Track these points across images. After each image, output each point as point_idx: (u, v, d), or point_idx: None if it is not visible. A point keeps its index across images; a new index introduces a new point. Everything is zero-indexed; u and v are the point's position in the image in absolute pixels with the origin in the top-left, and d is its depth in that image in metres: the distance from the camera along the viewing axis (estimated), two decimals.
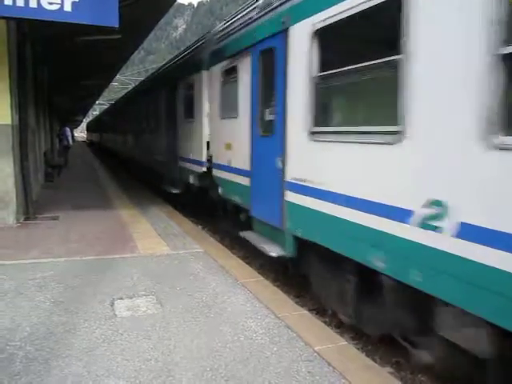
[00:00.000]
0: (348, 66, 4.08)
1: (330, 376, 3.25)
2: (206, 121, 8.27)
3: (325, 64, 4.51)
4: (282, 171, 5.31)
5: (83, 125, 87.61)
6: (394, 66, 3.42)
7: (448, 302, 3.03)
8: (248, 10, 6.76)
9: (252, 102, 6.17)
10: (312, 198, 4.65)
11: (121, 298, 4.68)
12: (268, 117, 5.86)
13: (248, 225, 6.48)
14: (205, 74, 8.37)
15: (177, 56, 12.18)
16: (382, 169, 3.65)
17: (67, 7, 5.90)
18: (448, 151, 2.99)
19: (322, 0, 4.39)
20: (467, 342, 3.14)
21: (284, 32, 5.16)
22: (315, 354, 3.58)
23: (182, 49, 12.26)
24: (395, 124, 3.41)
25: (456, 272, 2.91)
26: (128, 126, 19.56)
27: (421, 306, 3.48)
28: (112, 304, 4.53)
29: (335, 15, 4.16)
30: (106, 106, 49.51)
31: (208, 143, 8.30)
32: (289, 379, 3.21)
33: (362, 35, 4.36)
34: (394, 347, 4.52)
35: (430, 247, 3.10)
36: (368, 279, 4.00)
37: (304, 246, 5.05)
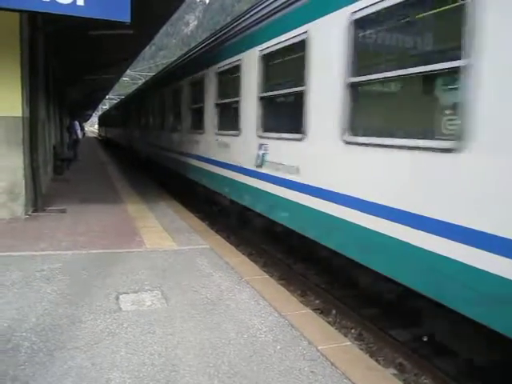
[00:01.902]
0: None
1: (332, 376, 3.24)
2: None
3: None
4: None
5: (93, 119, 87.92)
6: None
7: None
8: None
9: None
10: None
11: (126, 292, 4.71)
12: None
13: None
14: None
15: None
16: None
17: (80, 1, 5.92)
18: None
19: None
20: None
21: None
22: (318, 353, 3.57)
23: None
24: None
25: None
26: None
27: None
28: (117, 298, 4.55)
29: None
30: (115, 101, 49.41)
31: None
32: (291, 378, 3.21)
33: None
34: (398, 348, 4.51)
35: None
36: None
37: None
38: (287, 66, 6.10)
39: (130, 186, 13.07)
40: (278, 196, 5.81)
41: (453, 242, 3.16)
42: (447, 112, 3.56)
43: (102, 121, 55.36)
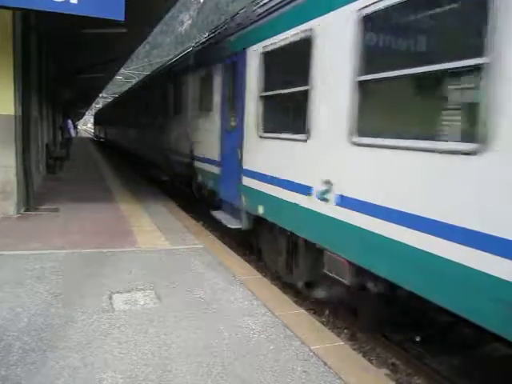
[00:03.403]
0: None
1: (325, 376, 3.25)
2: None
3: None
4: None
5: (86, 118, 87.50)
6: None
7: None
8: None
9: None
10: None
11: (119, 292, 4.69)
12: None
13: None
14: None
15: None
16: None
17: None
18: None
19: None
20: None
21: None
22: (311, 353, 3.58)
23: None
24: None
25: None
26: None
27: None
28: (110, 297, 4.53)
29: None
30: (109, 100, 48.73)
31: None
32: (284, 378, 3.22)
33: None
34: (391, 349, 4.53)
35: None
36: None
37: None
38: None
39: (124, 184, 13.02)
40: None
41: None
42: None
43: (100, 118, 43.80)
